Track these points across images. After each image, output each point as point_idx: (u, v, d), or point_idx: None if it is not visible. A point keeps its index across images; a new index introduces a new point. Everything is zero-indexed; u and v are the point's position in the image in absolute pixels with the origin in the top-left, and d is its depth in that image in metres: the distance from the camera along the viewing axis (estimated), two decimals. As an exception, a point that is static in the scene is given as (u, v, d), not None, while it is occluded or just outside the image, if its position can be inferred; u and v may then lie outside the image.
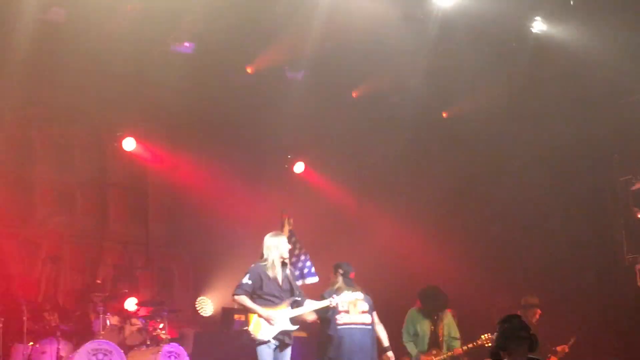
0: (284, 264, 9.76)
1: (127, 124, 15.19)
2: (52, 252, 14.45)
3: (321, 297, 10.27)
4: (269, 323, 9.47)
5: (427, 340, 11.41)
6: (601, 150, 15.34)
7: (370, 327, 10.54)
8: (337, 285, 10.55)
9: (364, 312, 10.50)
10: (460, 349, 11.38)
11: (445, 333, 11.44)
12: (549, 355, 12.88)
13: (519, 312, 12.86)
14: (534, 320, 12.75)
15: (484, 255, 16.18)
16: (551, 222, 15.95)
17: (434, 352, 11.33)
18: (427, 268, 15.33)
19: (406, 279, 15.32)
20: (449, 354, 11.29)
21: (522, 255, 16.20)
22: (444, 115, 16.74)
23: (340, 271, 10.73)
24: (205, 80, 15.23)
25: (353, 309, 10.41)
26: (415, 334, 11.47)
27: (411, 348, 11.43)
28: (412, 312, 11.65)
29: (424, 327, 11.45)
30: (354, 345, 10.31)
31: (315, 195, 16.67)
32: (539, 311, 13.01)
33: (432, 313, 11.49)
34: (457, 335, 11.59)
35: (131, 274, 15.09)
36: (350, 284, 10.53)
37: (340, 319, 10.32)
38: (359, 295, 10.22)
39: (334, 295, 10.11)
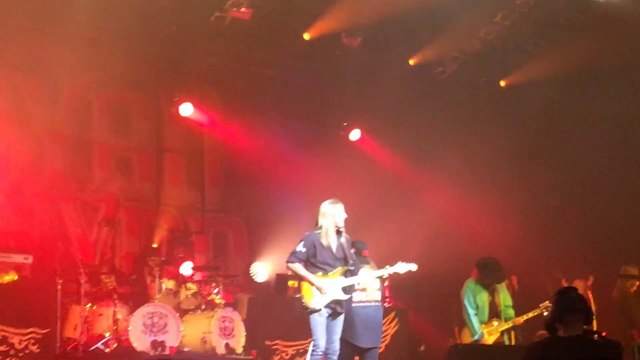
0: (338, 232, 9.71)
1: (185, 89, 15.26)
2: (109, 216, 14.64)
3: None
4: (320, 292, 9.46)
5: (486, 311, 11.30)
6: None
7: (380, 303, 10.51)
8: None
9: (378, 289, 10.44)
10: (521, 319, 11.26)
11: (501, 302, 11.34)
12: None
13: (617, 282, 12.74)
14: (632, 291, 12.54)
15: (541, 227, 16.02)
16: (609, 197, 15.68)
17: (495, 322, 11.24)
18: (484, 239, 15.23)
19: (463, 249, 15.23)
20: (510, 324, 11.18)
21: (578, 228, 16.00)
22: (502, 84, 16.52)
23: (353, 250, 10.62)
24: (263, 46, 15.21)
25: (370, 285, 10.33)
26: (477, 307, 11.35)
27: (476, 325, 11.25)
28: (470, 284, 11.44)
29: (483, 298, 11.32)
30: (370, 322, 10.27)
31: (371, 162, 16.60)
32: (637, 283, 12.75)
33: (490, 284, 11.36)
34: (510, 302, 11.47)
35: (187, 239, 15.24)
36: (365, 261, 10.44)
37: (356, 296, 10.20)
38: (413, 266, 10.10)
39: (387, 266, 10.05)
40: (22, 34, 13.76)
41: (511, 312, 11.32)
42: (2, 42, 13.60)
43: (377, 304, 10.43)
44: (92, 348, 11.70)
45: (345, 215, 9.74)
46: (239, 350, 12.32)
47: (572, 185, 16.11)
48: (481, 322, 11.23)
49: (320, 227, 9.67)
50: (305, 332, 10.02)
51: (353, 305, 10.10)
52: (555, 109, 15.92)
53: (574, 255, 15.67)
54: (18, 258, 12.23)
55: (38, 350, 11.59)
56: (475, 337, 11.18)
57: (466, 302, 11.35)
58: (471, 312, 11.29)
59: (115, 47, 14.38)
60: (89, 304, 12.15)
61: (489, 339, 11.15)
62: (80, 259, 13.12)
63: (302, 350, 13.17)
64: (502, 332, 11.21)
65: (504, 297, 11.41)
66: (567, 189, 16.20)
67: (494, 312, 11.28)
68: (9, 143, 13.85)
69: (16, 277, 9.37)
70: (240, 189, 16.12)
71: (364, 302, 10.26)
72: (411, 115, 16.93)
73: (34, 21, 13.68)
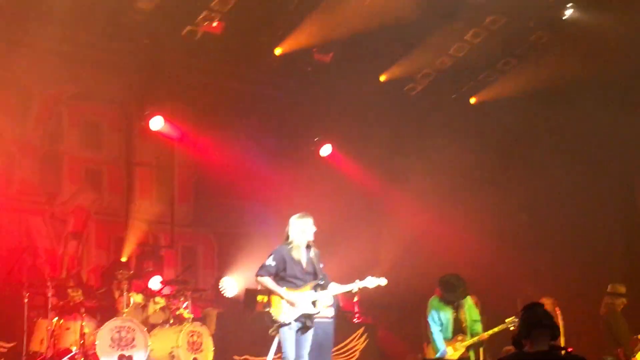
0: (308, 247, 9.71)
1: (155, 102, 15.21)
2: (78, 229, 14.56)
3: None
4: (290, 305, 9.46)
5: (450, 327, 11.34)
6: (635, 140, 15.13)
7: (332, 320, 10.57)
8: None
9: (330, 305, 10.44)
10: (486, 334, 11.29)
11: (467, 318, 11.37)
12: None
13: (605, 299, 12.77)
14: (619, 310, 12.58)
15: (510, 243, 16.11)
16: (579, 213, 15.81)
17: (459, 338, 11.27)
18: (454, 254, 15.30)
19: (432, 264, 15.26)
20: (475, 339, 11.22)
21: (548, 244, 16.09)
22: (472, 101, 16.63)
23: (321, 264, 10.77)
24: (234, 61, 15.23)
25: (322, 302, 10.24)
26: (441, 323, 11.39)
27: (440, 341, 11.29)
28: (434, 301, 11.52)
29: (447, 315, 11.38)
30: (321, 339, 10.30)
31: (341, 178, 16.61)
32: (624, 301, 12.77)
33: (453, 301, 11.40)
34: (478, 317, 11.51)
35: (156, 253, 15.19)
36: None
37: None
38: (383, 281, 10.11)
39: (357, 280, 10.05)
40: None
41: (478, 327, 11.35)
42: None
43: (328, 320, 10.46)
44: (58, 362, 11.62)
45: (314, 229, 9.73)
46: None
47: (542, 202, 16.23)
48: (445, 339, 11.27)
49: (291, 241, 9.67)
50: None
51: None
52: (525, 126, 16.06)
53: (542, 272, 15.74)
54: (-16, 271, 12.16)
55: None
56: (439, 354, 11.21)
57: (430, 319, 11.43)
58: (435, 329, 11.36)
59: (86, 59, 14.37)
60: (56, 318, 12.05)
61: (454, 355, 11.18)
62: (47, 272, 13.05)
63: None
64: (468, 348, 11.25)
65: (471, 313, 11.45)
66: (537, 206, 16.31)
67: (459, 329, 11.32)
68: (-23, 155, 13.75)
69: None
70: (210, 203, 16.09)
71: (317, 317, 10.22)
72: (382, 131, 17.00)
73: (3, 32, 13.60)
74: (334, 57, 15.16)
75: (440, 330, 11.34)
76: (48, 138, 14.64)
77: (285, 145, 16.48)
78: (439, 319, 11.37)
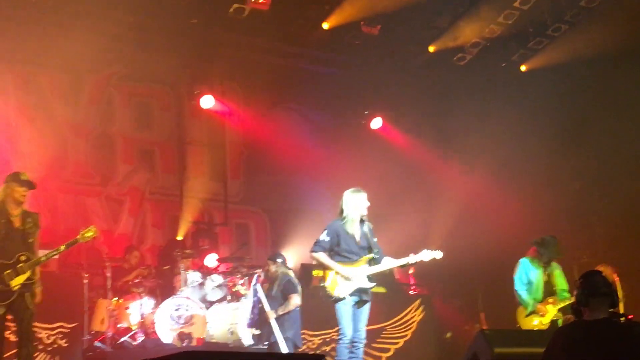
0: (362, 221, 9.73)
1: (205, 81, 15.29)
2: (134, 209, 14.73)
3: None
4: (345, 280, 9.49)
5: (541, 289, 11.37)
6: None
7: None
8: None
9: None
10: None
11: (558, 283, 11.39)
12: None
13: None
14: None
15: (566, 211, 15.94)
16: (635, 180, 15.55)
17: (550, 300, 11.26)
18: (508, 224, 15.16)
19: (487, 234, 15.24)
20: (567, 302, 11.14)
21: (603, 212, 15.90)
22: (523, 68, 16.43)
23: (279, 260, 11.92)
24: (282, 37, 15.21)
25: None
26: (529, 283, 11.42)
27: (526, 297, 11.31)
28: (524, 261, 11.54)
29: (538, 275, 11.41)
30: None
31: (392, 150, 16.56)
32: None
33: (547, 262, 11.44)
34: (567, 287, 11.48)
35: (211, 231, 15.29)
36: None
37: None
38: (438, 254, 10.08)
39: (412, 254, 10.04)
40: (43, 29, 13.83)
41: (567, 295, 11.31)
42: (24, 39, 13.70)
43: None
44: (119, 341, 11.79)
45: (368, 204, 9.76)
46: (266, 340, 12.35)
47: (595, 169, 16.00)
48: (535, 299, 11.28)
49: (345, 216, 9.70)
50: (331, 321, 10.06)
51: None
52: (576, 93, 15.81)
53: (599, 240, 15.57)
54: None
55: (66, 345, 11.71)
56: (529, 309, 11.27)
57: (515, 277, 11.49)
58: (521, 287, 11.38)
59: (136, 40, 14.46)
60: (115, 298, 12.24)
61: (546, 317, 11.18)
62: (105, 253, 13.20)
63: (328, 339, 13.21)
64: (559, 310, 11.25)
65: (561, 282, 11.46)
66: (591, 173, 16.09)
67: (549, 292, 11.35)
68: (32, 139, 13.96)
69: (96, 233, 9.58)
70: (261, 179, 16.15)
71: None
72: (432, 102, 16.89)
73: (54, 16, 13.75)
74: (382, 29, 15.05)
75: (528, 290, 11.35)
76: (100, 120, 14.82)
77: (335, 119, 16.46)
78: (528, 279, 11.40)
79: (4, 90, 13.94)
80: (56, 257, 9.95)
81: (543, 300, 11.31)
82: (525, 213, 15.55)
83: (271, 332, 11.45)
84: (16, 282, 9.07)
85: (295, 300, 11.65)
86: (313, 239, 9.76)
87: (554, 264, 11.58)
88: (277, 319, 11.53)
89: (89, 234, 9.69)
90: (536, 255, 11.52)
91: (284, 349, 11.21)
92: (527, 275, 11.44)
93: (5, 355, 9.25)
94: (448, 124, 16.83)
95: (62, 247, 9.51)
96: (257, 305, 11.87)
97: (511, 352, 8.60)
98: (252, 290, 12.02)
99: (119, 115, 15.07)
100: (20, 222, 9.37)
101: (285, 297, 11.70)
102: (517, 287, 11.45)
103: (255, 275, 12.23)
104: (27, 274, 9.17)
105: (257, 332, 11.87)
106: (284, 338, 11.36)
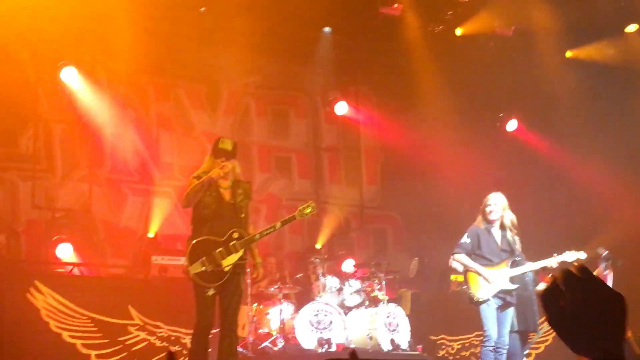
0: (502, 224, 9.62)
1: (338, 87, 15.43)
2: (271, 216, 14.91)
3: None
4: (487, 282, 9.39)
5: None
6: None
7: None
8: None
9: None
10: None
11: None
12: None
13: None
14: None
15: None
16: None
17: None
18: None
19: (625, 234, 14.74)
20: None
21: None
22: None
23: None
24: (415, 41, 15.17)
25: None
26: None
27: None
28: None
29: None
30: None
31: (529, 153, 16.28)
32: None
33: None
34: None
35: (347, 236, 15.35)
36: None
37: None
38: (582, 254, 9.86)
39: (555, 254, 9.85)
40: (181, 43, 14.20)
41: None
42: (163, 53, 14.07)
43: None
44: (261, 346, 11.94)
45: (507, 206, 9.66)
46: (405, 345, 12.31)
47: None
48: None
49: (485, 219, 9.62)
50: (470, 326, 9.97)
51: None
52: None
53: None
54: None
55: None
56: None
57: None
58: None
59: (270, 49, 14.66)
60: (255, 304, 12.40)
61: None
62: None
63: (467, 344, 13.07)
64: None
65: None
66: None
67: None
68: (173, 149, 14.33)
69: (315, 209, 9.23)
70: (397, 184, 16.12)
71: None
72: (569, 104, 16.50)
73: (194, 31, 14.09)
74: (516, 30, 14.83)
75: None
76: (237, 129, 15.06)
77: (470, 122, 16.26)
78: None
79: (145, 102, 14.41)
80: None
81: None
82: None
83: None
84: (228, 261, 8.51)
85: None
86: (451, 244, 9.72)
87: None
88: None
89: (308, 210, 9.09)
90: None
91: None
92: None
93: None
94: (586, 126, 16.38)
95: (278, 225, 8.89)
96: None
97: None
98: None
99: (256, 124, 15.32)
100: (230, 195, 8.78)
101: None
102: None
103: None
104: (240, 253, 8.56)
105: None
106: None
